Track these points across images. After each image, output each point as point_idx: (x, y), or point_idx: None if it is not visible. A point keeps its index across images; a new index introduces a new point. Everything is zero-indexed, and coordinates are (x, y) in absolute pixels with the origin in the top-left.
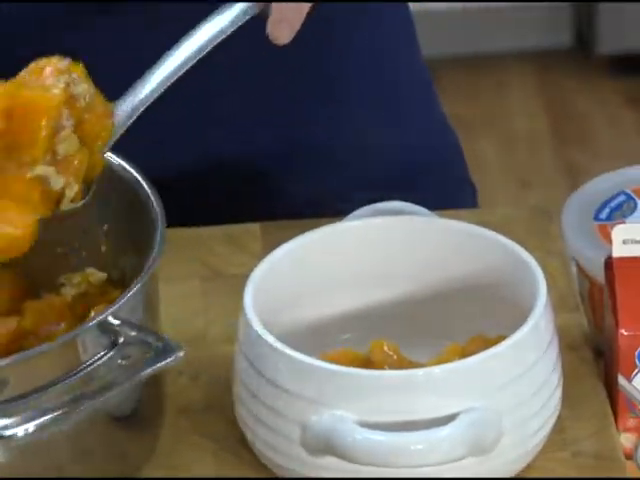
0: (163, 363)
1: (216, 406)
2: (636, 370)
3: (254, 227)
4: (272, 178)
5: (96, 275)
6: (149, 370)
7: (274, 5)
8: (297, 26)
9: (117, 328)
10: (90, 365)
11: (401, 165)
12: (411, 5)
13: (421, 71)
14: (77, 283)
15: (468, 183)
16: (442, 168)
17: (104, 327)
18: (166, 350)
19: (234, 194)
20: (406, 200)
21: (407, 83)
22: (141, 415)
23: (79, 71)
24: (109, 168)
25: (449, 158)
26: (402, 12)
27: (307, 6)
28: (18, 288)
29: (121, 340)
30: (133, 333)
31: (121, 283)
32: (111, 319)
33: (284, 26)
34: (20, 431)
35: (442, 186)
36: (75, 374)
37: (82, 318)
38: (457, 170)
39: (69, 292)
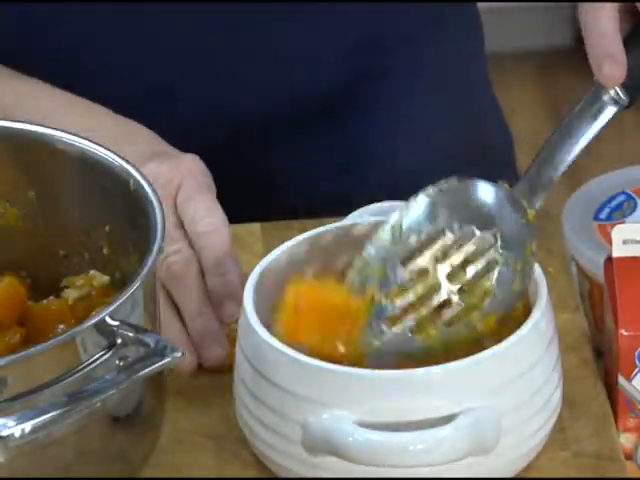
0: (160, 364)
1: (216, 406)
2: (636, 370)
3: (254, 227)
4: (272, 178)
5: (99, 278)
6: (146, 371)
7: None
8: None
9: (115, 329)
10: (88, 366)
11: (404, 167)
12: None
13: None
14: (80, 285)
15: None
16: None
17: (101, 328)
18: (164, 351)
19: (234, 194)
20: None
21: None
22: (141, 415)
23: None
24: (109, 169)
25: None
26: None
27: None
28: (23, 292)
29: (119, 341)
30: (131, 334)
31: (123, 285)
32: (109, 320)
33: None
34: (17, 431)
35: None
36: (73, 374)
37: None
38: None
39: (72, 295)
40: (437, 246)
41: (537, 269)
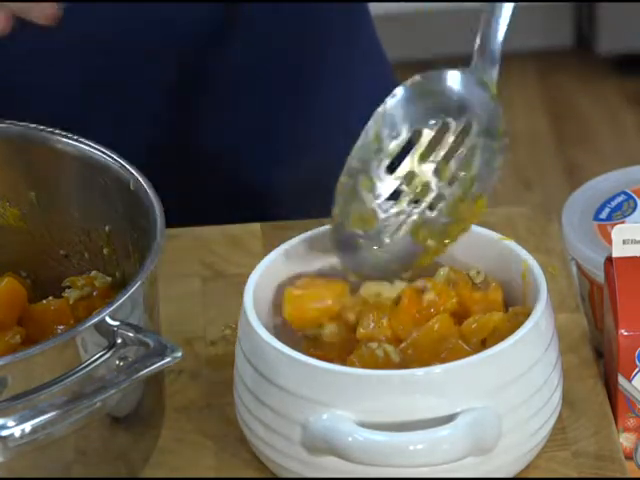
0: (160, 364)
1: (216, 406)
2: (636, 370)
3: (254, 227)
4: (272, 179)
5: (101, 278)
6: (146, 371)
7: None
8: None
9: (115, 329)
10: (88, 366)
11: None
12: (413, 5)
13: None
14: (81, 286)
15: None
16: None
17: (101, 328)
18: (164, 351)
19: (234, 194)
20: None
21: None
22: (141, 415)
23: None
24: (109, 169)
25: None
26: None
27: None
28: (23, 292)
29: (119, 341)
30: (131, 334)
31: (123, 285)
32: (109, 320)
33: None
34: (17, 431)
35: None
36: (73, 374)
37: None
38: None
39: (73, 295)
40: (418, 146)
41: (537, 269)
